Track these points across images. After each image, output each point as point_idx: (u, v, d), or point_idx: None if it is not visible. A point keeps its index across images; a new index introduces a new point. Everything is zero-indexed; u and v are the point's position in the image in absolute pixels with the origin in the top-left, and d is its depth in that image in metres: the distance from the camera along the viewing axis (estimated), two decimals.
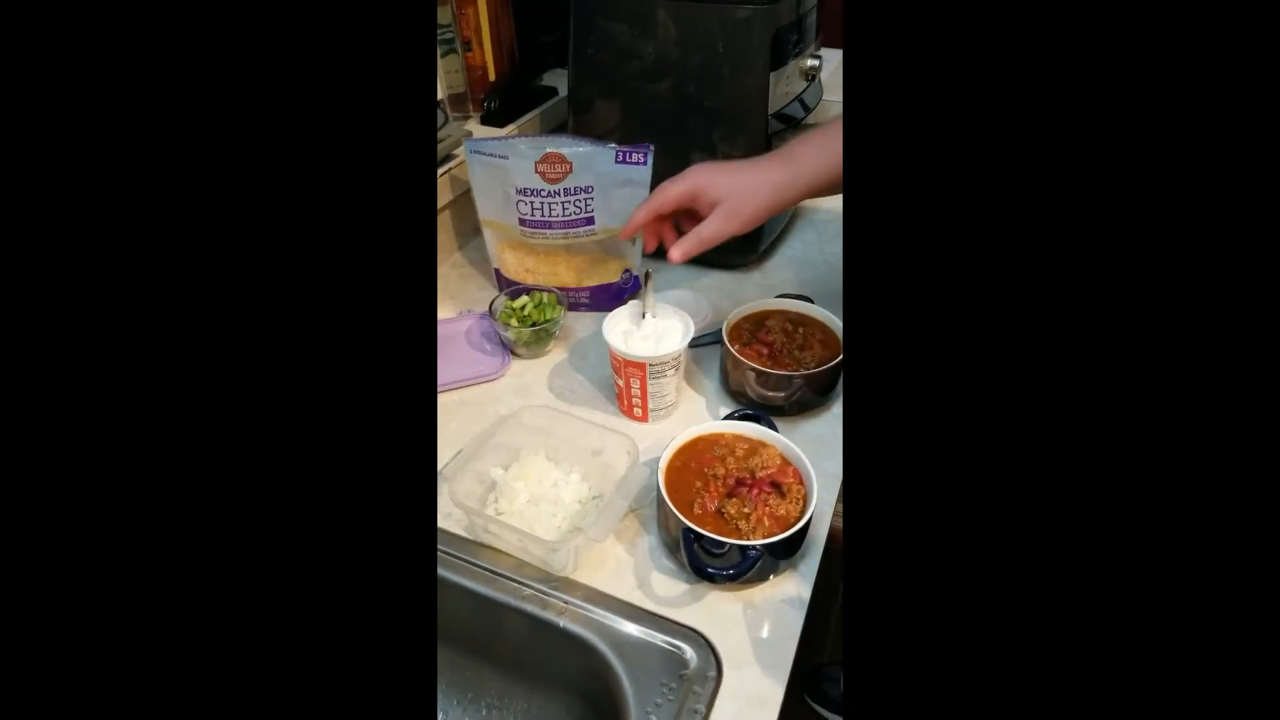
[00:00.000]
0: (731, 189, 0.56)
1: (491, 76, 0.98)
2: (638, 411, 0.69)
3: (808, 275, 0.90)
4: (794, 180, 0.56)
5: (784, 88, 0.80)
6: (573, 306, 0.83)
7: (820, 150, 0.56)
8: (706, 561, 0.51)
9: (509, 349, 0.77)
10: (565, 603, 0.54)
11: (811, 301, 0.74)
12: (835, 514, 0.64)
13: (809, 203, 1.03)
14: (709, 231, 0.57)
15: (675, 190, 0.57)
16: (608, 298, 0.82)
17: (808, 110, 0.89)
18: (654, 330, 0.66)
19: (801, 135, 0.61)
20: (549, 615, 0.53)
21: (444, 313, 0.84)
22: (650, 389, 0.67)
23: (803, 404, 0.68)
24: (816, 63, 0.87)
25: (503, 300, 0.78)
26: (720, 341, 0.69)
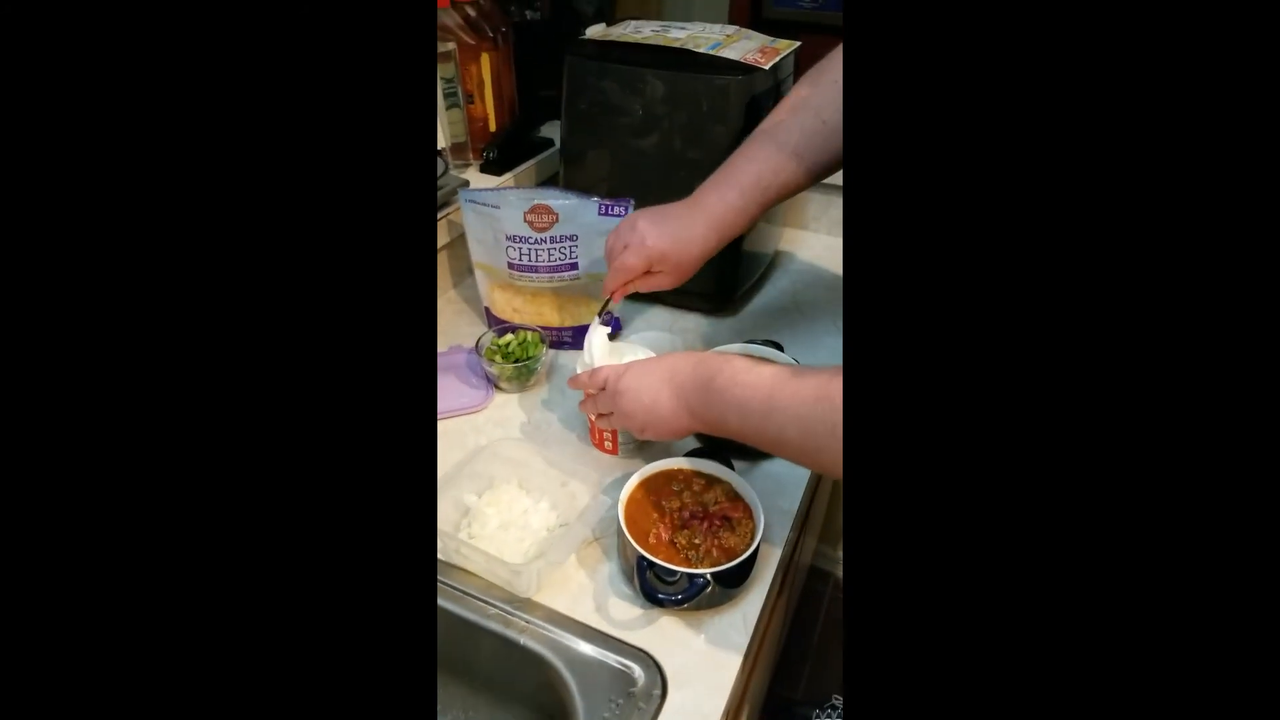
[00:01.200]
0: (679, 260, 0.68)
1: (492, 127, 1.04)
2: (608, 445, 0.73)
3: (780, 321, 0.95)
4: (720, 237, 0.69)
5: None
6: (556, 345, 0.88)
7: (724, 202, 0.68)
8: (657, 587, 0.55)
9: (493, 383, 0.82)
10: (527, 622, 0.58)
11: (781, 348, 0.79)
12: (808, 549, 0.68)
13: (785, 252, 1.08)
14: (650, 286, 0.70)
15: (638, 263, 0.68)
16: None
17: None
18: None
19: (716, 177, 0.71)
20: (511, 633, 0.57)
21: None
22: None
23: None
24: None
25: (490, 337, 0.83)
26: None
